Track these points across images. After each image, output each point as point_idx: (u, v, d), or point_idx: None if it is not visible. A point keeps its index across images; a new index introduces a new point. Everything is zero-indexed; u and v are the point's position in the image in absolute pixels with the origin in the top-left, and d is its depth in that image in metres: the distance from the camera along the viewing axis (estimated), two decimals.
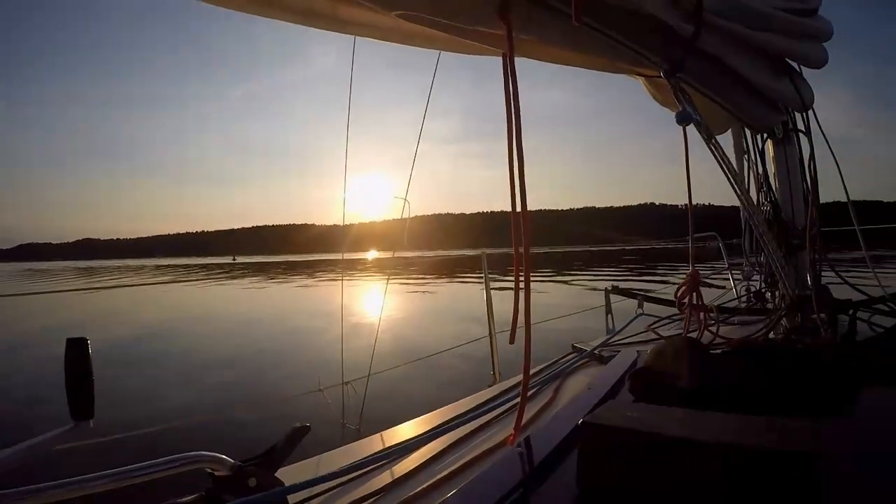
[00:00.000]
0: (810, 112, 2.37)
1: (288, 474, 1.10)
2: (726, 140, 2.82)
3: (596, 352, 2.19)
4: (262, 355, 9.67)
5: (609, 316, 3.33)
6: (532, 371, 1.99)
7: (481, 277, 3.94)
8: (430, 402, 1.93)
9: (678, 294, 2.08)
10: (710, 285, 2.16)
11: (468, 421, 1.55)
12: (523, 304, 1.25)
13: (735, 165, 2.43)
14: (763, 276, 2.89)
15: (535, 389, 1.82)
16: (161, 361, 9.37)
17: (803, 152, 2.35)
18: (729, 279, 3.69)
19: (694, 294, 2.06)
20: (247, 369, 8.41)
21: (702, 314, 2.11)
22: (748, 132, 2.58)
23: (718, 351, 1.59)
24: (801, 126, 2.35)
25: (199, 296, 23.67)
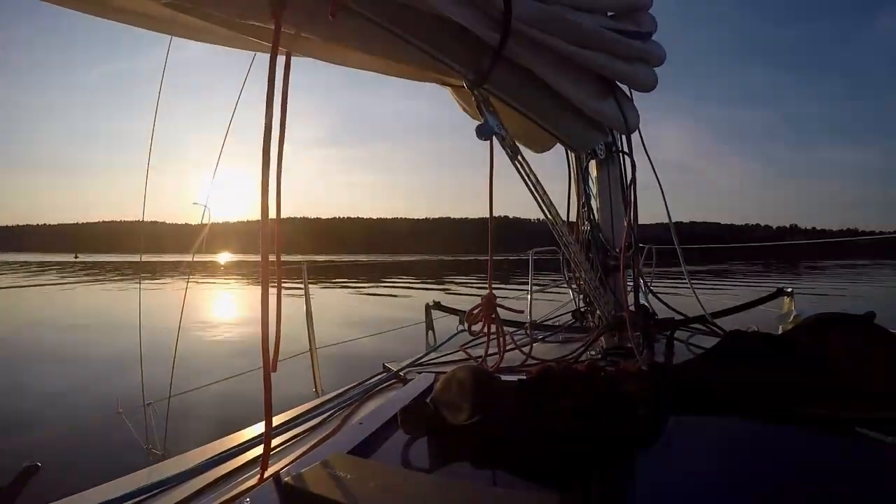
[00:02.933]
0: (636, 134, 2.43)
1: None
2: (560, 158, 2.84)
3: (402, 373, 2.10)
4: (59, 373, 8.41)
5: (430, 333, 3.23)
6: (333, 394, 1.89)
7: (302, 286, 3.80)
8: (244, 421, 1.76)
9: (468, 317, 2.04)
10: (506, 308, 2.13)
11: (247, 449, 1.41)
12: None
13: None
14: (583, 296, 2.92)
15: (327, 414, 1.70)
16: None
17: (625, 174, 2.40)
18: (569, 294, 3.75)
19: (491, 316, 2.02)
20: (36, 393, 7.18)
21: (502, 337, 2.07)
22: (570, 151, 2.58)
23: (514, 378, 1.56)
24: (626, 148, 2.38)
25: (24, 299, 21.27)
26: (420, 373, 2.02)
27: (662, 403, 1.29)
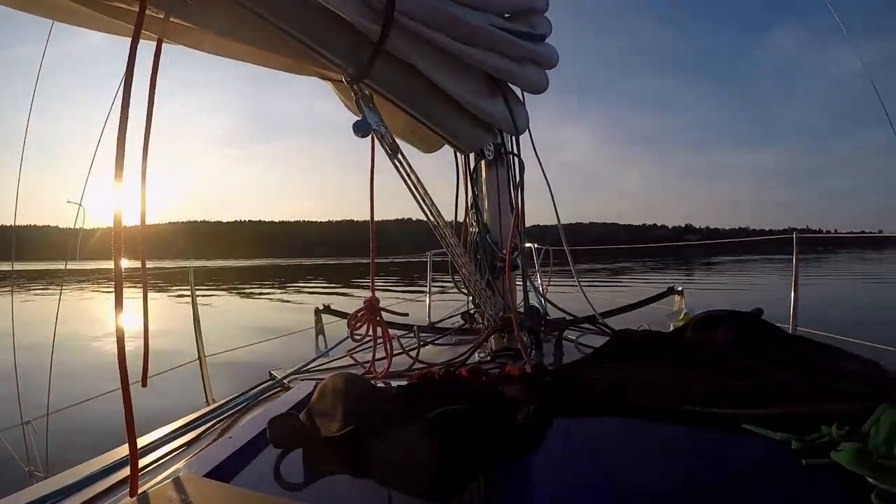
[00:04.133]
0: (527, 136, 2.44)
1: None
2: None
3: (286, 381, 2.01)
4: None
5: (321, 338, 3.14)
6: (216, 405, 1.79)
7: (190, 293, 3.64)
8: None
9: (349, 322, 1.97)
10: (390, 311, 2.08)
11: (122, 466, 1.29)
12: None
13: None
14: (472, 297, 2.92)
15: (204, 427, 1.60)
16: None
17: (509, 174, 2.39)
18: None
19: (375, 320, 1.96)
20: None
21: (389, 342, 2.02)
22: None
23: (395, 385, 1.52)
24: (515, 149, 2.39)
25: None
26: (304, 380, 1.95)
27: (543, 405, 1.28)
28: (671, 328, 2.34)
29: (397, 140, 2.13)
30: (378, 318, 1.91)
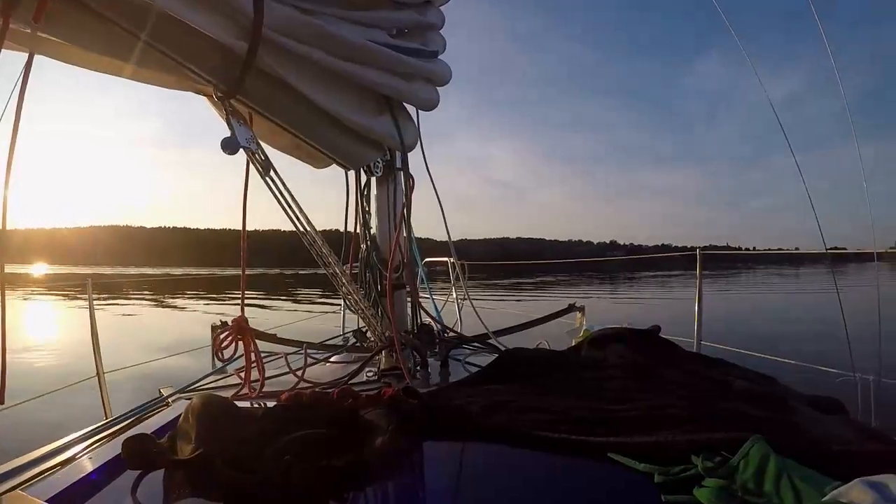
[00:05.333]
0: (417, 152, 2.43)
1: None
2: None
3: (171, 399, 1.94)
4: None
5: (220, 354, 3.02)
6: (102, 423, 1.70)
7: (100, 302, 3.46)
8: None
9: (214, 342, 1.91)
10: (258, 330, 2.04)
11: None
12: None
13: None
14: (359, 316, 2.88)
15: (82, 446, 1.52)
16: None
17: (399, 191, 2.37)
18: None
19: (241, 342, 1.91)
20: None
21: (261, 361, 1.97)
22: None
23: (263, 406, 1.48)
24: (403, 166, 2.37)
25: None
26: (187, 399, 1.88)
27: (404, 430, 1.26)
28: (572, 344, 2.36)
29: (287, 156, 2.11)
30: (250, 337, 1.86)
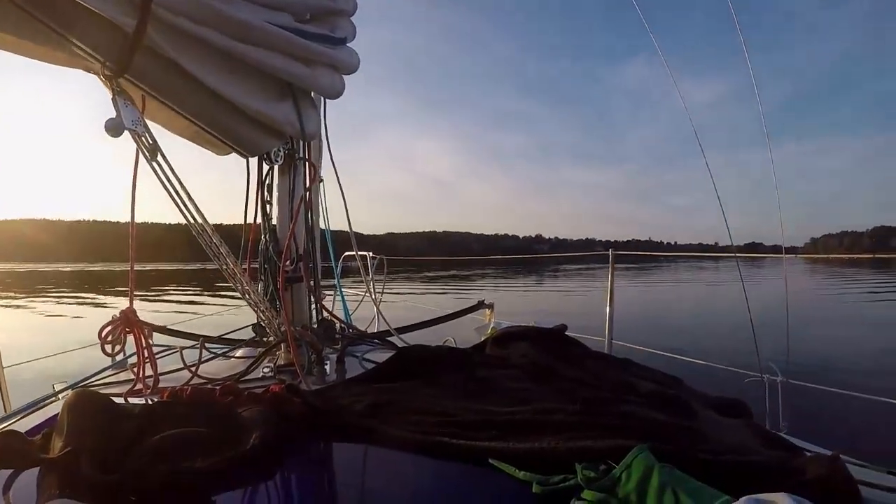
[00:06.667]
0: (322, 143, 2.41)
1: None
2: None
3: (61, 395, 1.85)
4: None
5: (105, 348, 2.92)
6: None
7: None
8: None
9: (100, 336, 1.83)
10: (149, 323, 1.98)
11: None
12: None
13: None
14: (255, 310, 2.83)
15: None
16: None
17: (300, 182, 2.35)
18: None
19: (133, 336, 1.84)
20: None
21: (154, 356, 1.90)
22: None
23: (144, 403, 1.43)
24: (307, 155, 2.35)
25: None
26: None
27: (278, 430, 1.21)
28: (481, 341, 2.36)
29: (188, 142, 2.04)
30: (139, 331, 1.80)
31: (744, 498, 0.82)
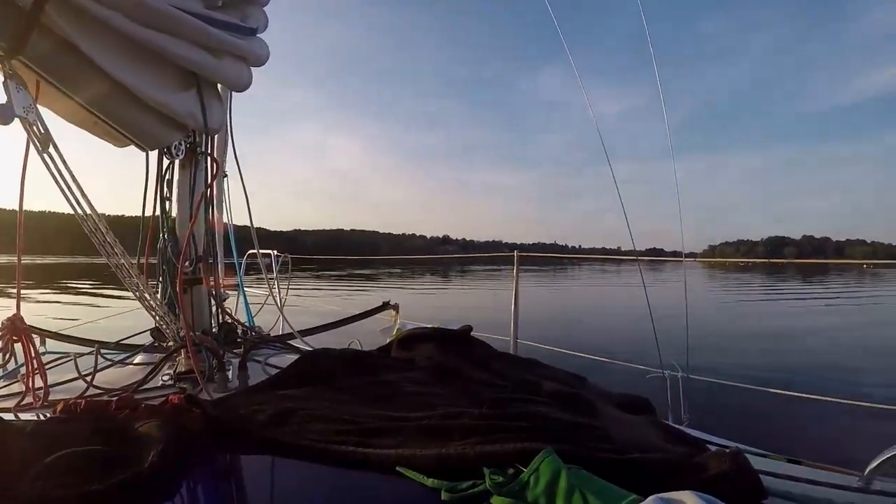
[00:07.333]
0: (227, 137, 2.34)
1: None
2: None
3: None
4: None
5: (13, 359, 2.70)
6: None
7: None
8: None
9: None
10: (39, 329, 1.86)
11: None
12: None
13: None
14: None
15: None
16: None
17: (201, 177, 2.27)
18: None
19: (20, 345, 1.72)
20: None
21: (42, 366, 1.78)
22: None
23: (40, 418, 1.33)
24: (209, 149, 2.29)
25: None
26: None
27: (177, 446, 1.14)
28: (387, 342, 2.34)
29: (89, 134, 1.91)
30: (27, 338, 1.67)
31: (651, 497, 0.84)
